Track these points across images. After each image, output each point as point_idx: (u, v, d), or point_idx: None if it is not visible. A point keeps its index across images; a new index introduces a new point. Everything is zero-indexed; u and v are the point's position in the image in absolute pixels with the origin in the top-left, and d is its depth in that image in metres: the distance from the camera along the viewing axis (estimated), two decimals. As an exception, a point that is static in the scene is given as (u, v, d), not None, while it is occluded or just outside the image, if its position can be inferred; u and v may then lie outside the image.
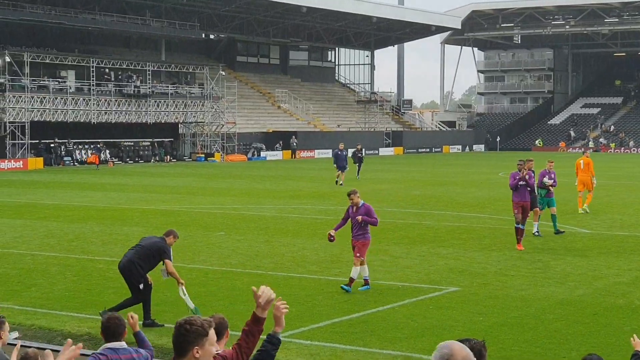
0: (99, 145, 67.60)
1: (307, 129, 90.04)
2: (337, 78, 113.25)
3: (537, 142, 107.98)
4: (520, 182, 23.11)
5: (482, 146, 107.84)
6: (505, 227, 27.31)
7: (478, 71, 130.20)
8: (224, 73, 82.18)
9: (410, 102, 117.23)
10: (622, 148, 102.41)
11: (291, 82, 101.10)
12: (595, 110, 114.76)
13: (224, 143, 78.37)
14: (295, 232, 25.87)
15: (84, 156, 68.79)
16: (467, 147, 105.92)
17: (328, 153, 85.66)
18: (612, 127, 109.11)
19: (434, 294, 16.78)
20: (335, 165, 45.63)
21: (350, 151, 51.75)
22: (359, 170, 49.96)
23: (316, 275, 18.80)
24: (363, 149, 53.09)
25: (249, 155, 79.46)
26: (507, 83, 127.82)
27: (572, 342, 13.01)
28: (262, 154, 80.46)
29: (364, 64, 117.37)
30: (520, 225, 22.47)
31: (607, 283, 17.77)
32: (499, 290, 17.07)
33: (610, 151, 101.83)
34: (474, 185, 44.09)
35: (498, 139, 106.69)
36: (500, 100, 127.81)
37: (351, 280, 16.84)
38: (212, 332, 5.20)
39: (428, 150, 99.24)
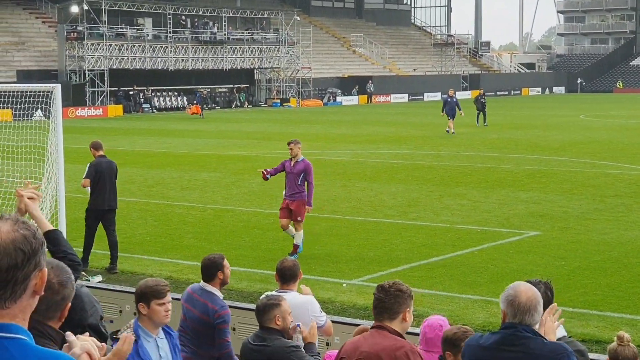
0: (202, 94, 64.71)
1: (383, 74, 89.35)
2: (412, 21, 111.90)
3: (618, 83, 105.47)
4: None
5: (562, 88, 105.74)
6: (587, 170, 26.83)
7: (557, 11, 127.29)
8: (298, 18, 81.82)
9: (488, 44, 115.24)
10: None
11: (366, 26, 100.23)
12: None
13: (299, 88, 78.33)
14: (372, 177, 25.79)
15: (162, 103, 69.47)
16: (547, 90, 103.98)
17: (404, 97, 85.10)
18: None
19: (514, 238, 16.58)
20: (443, 112, 41.92)
21: (456, 97, 48.26)
22: (485, 117, 45.77)
23: (394, 220, 18.72)
24: (485, 94, 48.15)
25: (325, 100, 79.28)
26: (587, 23, 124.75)
27: (657, 287, 12.75)
28: (338, 99, 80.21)
29: (440, 6, 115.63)
30: None
31: (693, 227, 17.35)
32: (580, 234, 16.79)
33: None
34: (554, 128, 43.32)
35: (579, 81, 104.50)
36: (580, 41, 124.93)
37: (296, 247, 14.98)
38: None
39: (506, 93, 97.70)
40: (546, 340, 4.59)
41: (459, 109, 41.27)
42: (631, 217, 18.54)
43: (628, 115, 56.54)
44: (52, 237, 4.74)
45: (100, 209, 14.62)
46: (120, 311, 9.93)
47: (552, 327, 4.72)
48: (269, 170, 15.57)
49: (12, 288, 2.57)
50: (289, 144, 15.43)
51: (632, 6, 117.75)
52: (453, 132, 40.32)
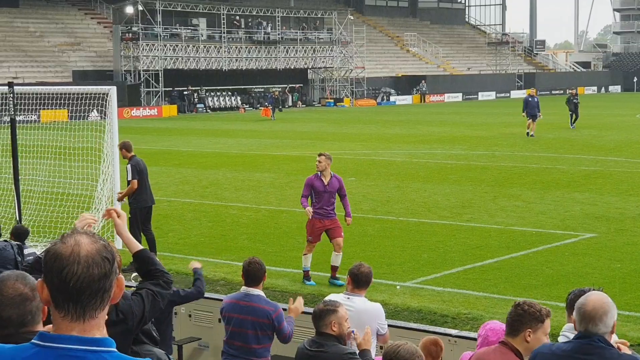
0: (274, 95, 63.31)
1: (437, 73, 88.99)
2: (467, 19, 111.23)
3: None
4: None
5: (618, 87, 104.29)
6: (644, 171, 26.47)
7: (613, 9, 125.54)
8: (352, 17, 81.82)
9: (543, 42, 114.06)
10: None
11: (420, 25, 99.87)
12: None
13: (353, 88, 78.33)
14: (426, 177, 25.71)
15: (216, 103, 69.93)
16: (603, 88, 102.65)
17: (458, 97, 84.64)
18: None
19: (569, 240, 16.43)
20: (524, 113, 39.39)
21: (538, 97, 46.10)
22: (576, 118, 43.39)
23: (447, 221, 18.65)
24: (578, 94, 45.62)
25: (378, 100, 79.18)
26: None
27: None
28: (392, 98, 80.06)
29: (494, 5, 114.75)
30: None
31: None
32: (637, 236, 16.57)
33: None
34: (610, 128, 42.78)
35: (635, 80, 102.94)
36: (637, 40, 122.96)
37: (334, 269, 13.62)
38: (547, 322, 5.21)
39: (562, 92, 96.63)
40: (620, 351, 4.64)
41: (539, 111, 39.00)
42: (690, 219, 18.26)
43: (687, 114, 55.60)
44: (144, 256, 4.68)
45: (146, 205, 15.05)
46: (175, 313, 10.03)
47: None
48: (309, 208, 13.67)
49: (101, 297, 2.66)
50: (321, 155, 14.15)
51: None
52: (532, 135, 38.24)
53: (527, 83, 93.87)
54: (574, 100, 43.48)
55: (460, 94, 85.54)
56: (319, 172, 13.95)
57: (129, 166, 14.91)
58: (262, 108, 61.89)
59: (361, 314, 6.73)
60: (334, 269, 13.49)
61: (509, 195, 22.07)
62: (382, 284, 13.33)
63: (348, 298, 7.15)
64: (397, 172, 27.08)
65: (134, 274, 13.54)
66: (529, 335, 5.08)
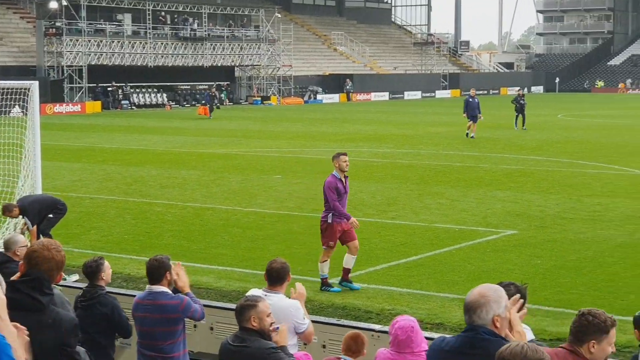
0: (210, 93, 61.26)
1: (364, 72, 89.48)
2: (393, 19, 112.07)
3: (597, 83, 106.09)
4: None
5: (540, 88, 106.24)
6: (564, 169, 27.03)
7: (537, 11, 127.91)
8: (279, 15, 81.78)
9: (467, 43, 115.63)
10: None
11: (347, 24, 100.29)
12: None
13: (280, 86, 78.30)
14: (352, 175, 25.54)
15: (141, 100, 69.26)
16: (526, 89, 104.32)
17: (384, 96, 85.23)
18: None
19: (491, 237, 16.70)
20: (465, 114, 38.79)
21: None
22: (524, 119, 42.99)
23: (373, 219, 18.78)
24: (524, 95, 45.25)
25: (305, 98, 79.31)
26: (566, 23, 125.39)
27: (631, 285, 12.89)
28: (319, 97, 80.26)
29: (420, 5, 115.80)
30: None
31: (668, 226, 17.52)
32: (557, 233, 16.92)
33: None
34: (532, 128, 43.48)
35: (557, 81, 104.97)
36: (559, 41, 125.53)
37: (347, 271, 13.27)
38: (612, 332, 4.97)
39: (485, 92, 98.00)
40: (506, 341, 4.61)
41: (479, 112, 38.30)
42: (607, 216, 18.70)
43: (605, 114, 56.96)
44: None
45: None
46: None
47: (516, 317, 4.76)
48: (354, 220, 13.15)
49: None
50: (343, 155, 13.23)
51: (610, 6, 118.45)
52: (473, 136, 37.82)
53: (452, 83, 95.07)
54: (521, 102, 43.36)
55: (387, 93, 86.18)
56: (340, 174, 13.19)
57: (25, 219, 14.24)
58: (199, 106, 61.32)
59: (277, 312, 6.72)
60: (347, 271, 13.12)
61: (433, 193, 22.33)
62: (307, 280, 13.34)
63: (266, 295, 7.14)
64: (323, 170, 27.06)
65: (75, 277, 13.36)
66: (593, 347, 4.89)
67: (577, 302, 12.06)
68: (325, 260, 13.09)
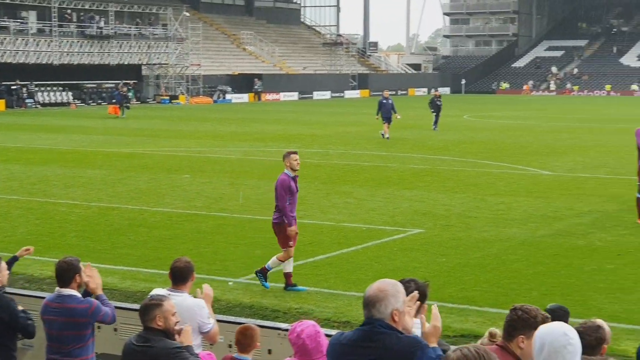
0: (121, 92, 58.49)
1: (273, 72, 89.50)
2: (302, 20, 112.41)
3: (501, 84, 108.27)
4: None
5: (447, 89, 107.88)
6: (469, 169, 27.50)
7: (443, 14, 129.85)
8: (187, 14, 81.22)
9: (376, 44, 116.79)
10: (585, 91, 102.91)
11: (256, 24, 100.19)
12: (559, 53, 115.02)
13: (188, 85, 77.74)
14: (261, 175, 25.82)
15: (46, 98, 67.96)
16: (433, 90, 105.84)
17: (294, 96, 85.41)
18: (576, 69, 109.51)
19: (398, 236, 16.88)
20: (378, 115, 38.56)
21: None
22: (437, 120, 43.26)
23: (281, 218, 18.79)
24: (440, 96, 45.55)
25: (214, 97, 78.91)
26: (472, 26, 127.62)
27: (533, 282, 13.18)
28: (228, 96, 79.94)
29: (329, 6, 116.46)
30: None
31: (568, 224, 17.98)
32: (461, 232, 17.21)
33: (574, 94, 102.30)
34: (439, 128, 44.15)
35: (463, 82, 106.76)
36: (465, 43, 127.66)
37: (289, 275, 13.04)
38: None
39: (393, 92, 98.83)
40: (401, 334, 4.69)
41: (395, 112, 38.14)
42: (510, 215, 19.10)
43: (509, 115, 58.17)
44: None
45: None
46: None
47: (409, 312, 4.83)
48: (294, 227, 12.92)
49: None
50: (293, 153, 13.00)
51: (515, 9, 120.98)
52: (388, 137, 37.44)
53: (361, 83, 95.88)
54: (437, 102, 43.57)
55: (296, 93, 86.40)
56: (292, 173, 12.90)
57: None
58: (110, 105, 60.23)
59: (181, 311, 6.67)
60: (288, 275, 12.95)
61: (341, 192, 22.47)
62: (215, 280, 13.30)
63: (170, 294, 7.07)
64: (231, 170, 27.09)
65: None
66: (522, 342, 4.89)
67: (480, 299, 12.31)
68: (282, 261, 12.91)
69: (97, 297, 7.37)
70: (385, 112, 37.98)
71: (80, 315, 7.19)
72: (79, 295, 7.33)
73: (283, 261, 12.92)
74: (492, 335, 5.66)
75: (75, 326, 7.19)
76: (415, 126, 44.74)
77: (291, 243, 12.90)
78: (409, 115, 56.12)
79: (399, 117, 38.88)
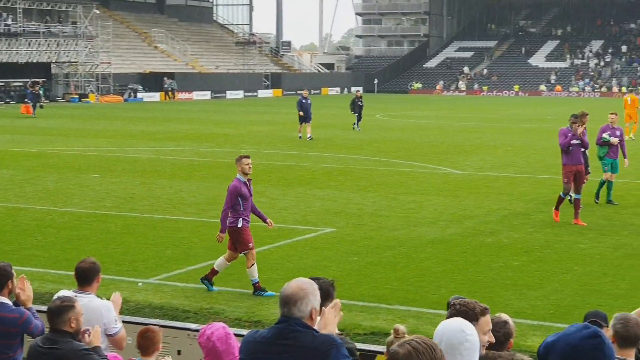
0: (34, 91, 56.27)
1: (185, 70, 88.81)
2: (215, 18, 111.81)
3: (413, 85, 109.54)
4: (574, 141, 18.22)
5: (360, 88, 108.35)
6: (381, 168, 27.75)
7: (356, 14, 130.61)
8: (97, 12, 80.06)
9: (289, 44, 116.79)
10: (495, 91, 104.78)
11: (168, 22, 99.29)
12: (469, 54, 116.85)
13: (98, 84, 76.60)
14: (172, 174, 25.63)
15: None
16: (346, 89, 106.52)
17: (206, 95, 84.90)
18: (486, 70, 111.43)
19: (310, 235, 16.94)
20: (300, 115, 38.07)
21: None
22: (359, 120, 43.24)
23: (193, 217, 18.72)
24: (362, 97, 45.16)
25: (125, 96, 77.94)
26: (384, 26, 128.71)
27: (442, 280, 13.38)
28: (139, 95, 79.03)
29: (242, 5, 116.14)
30: (575, 195, 18.27)
31: (477, 222, 18.29)
32: (373, 230, 17.35)
33: (484, 94, 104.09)
34: (350, 128, 44.45)
35: (376, 82, 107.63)
36: (377, 43, 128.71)
37: (214, 273, 12.96)
38: (483, 320, 4.91)
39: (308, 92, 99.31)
40: (317, 333, 4.72)
41: (310, 113, 37.75)
42: (421, 213, 19.33)
43: (421, 115, 58.88)
44: None
45: None
46: None
47: (331, 318, 4.86)
48: (221, 234, 12.88)
49: None
50: (245, 158, 13.08)
51: (426, 10, 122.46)
52: (310, 137, 37.13)
53: (274, 83, 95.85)
54: (359, 103, 43.48)
55: (209, 92, 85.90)
56: (244, 177, 12.96)
57: None
58: (22, 105, 58.64)
59: (88, 313, 6.57)
60: (214, 273, 12.84)
61: (254, 191, 22.37)
62: (124, 281, 13.18)
63: (76, 296, 6.96)
64: (142, 169, 26.81)
65: None
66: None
67: (391, 297, 12.44)
68: (253, 264, 12.73)
69: (28, 310, 7.18)
70: (305, 111, 37.77)
71: (10, 325, 6.95)
72: (10, 303, 7.12)
73: (253, 263, 12.73)
74: (396, 332, 5.72)
75: (4, 335, 6.94)
76: (329, 125, 44.94)
77: (250, 245, 12.75)
78: (322, 114, 56.33)
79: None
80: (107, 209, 19.66)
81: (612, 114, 20.90)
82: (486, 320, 4.97)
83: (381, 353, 7.61)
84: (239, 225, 12.78)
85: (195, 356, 8.39)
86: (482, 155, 31.95)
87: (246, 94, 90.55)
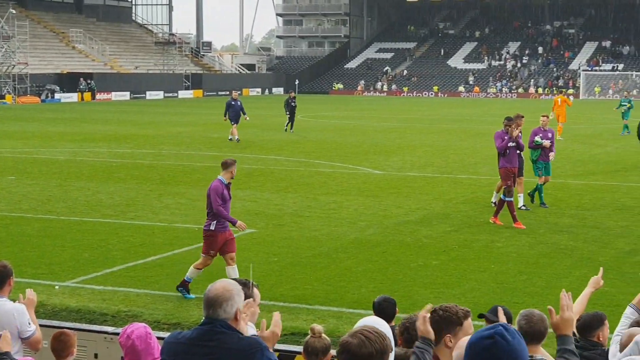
0: None
1: (104, 71, 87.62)
2: (134, 18, 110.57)
3: (336, 85, 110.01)
4: (510, 144, 18.40)
5: (281, 89, 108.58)
6: (301, 169, 27.80)
7: (277, 14, 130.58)
8: (14, 11, 78.42)
9: (209, 44, 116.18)
10: (415, 92, 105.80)
11: (86, 22, 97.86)
12: (389, 55, 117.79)
13: (15, 84, 75.08)
14: (90, 176, 25.27)
15: None
16: (267, 90, 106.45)
17: (126, 95, 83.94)
18: (405, 71, 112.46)
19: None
20: (226, 117, 37.51)
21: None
22: (292, 122, 42.73)
23: (111, 219, 18.49)
24: (295, 97, 44.57)
25: (43, 97, 76.56)
26: (305, 27, 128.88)
27: (362, 279, 13.46)
28: (57, 95, 77.71)
29: (161, 4, 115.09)
30: (510, 198, 18.11)
31: (396, 222, 18.45)
32: (293, 231, 17.37)
33: (404, 95, 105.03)
34: (272, 128, 44.44)
35: (297, 82, 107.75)
36: (298, 44, 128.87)
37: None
38: (467, 323, 4.91)
39: (227, 93, 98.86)
40: (242, 335, 4.71)
41: (244, 114, 37.35)
42: (341, 214, 19.42)
43: (342, 116, 59.20)
44: None
45: None
46: None
47: (244, 318, 4.84)
48: (241, 223, 12.70)
49: None
50: (233, 163, 12.57)
51: (346, 12, 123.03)
52: (238, 139, 36.48)
53: (195, 83, 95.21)
54: (292, 104, 43.03)
55: (128, 93, 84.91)
56: (227, 180, 12.48)
57: None
58: None
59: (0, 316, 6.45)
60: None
61: (174, 193, 22.27)
62: (41, 284, 12.95)
63: None
64: (59, 171, 26.38)
65: None
66: (450, 341, 4.87)
67: (311, 297, 12.48)
68: (200, 268, 12.48)
69: None
70: (234, 113, 37.27)
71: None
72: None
73: (200, 269, 12.49)
74: (312, 331, 5.73)
75: None
76: (248, 125, 44.81)
77: (212, 252, 12.47)
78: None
79: (247, 119, 38.30)
80: (24, 211, 19.30)
81: (543, 116, 21.04)
82: (469, 323, 5.00)
83: (300, 353, 7.62)
84: (212, 228, 12.47)
85: (112, 359, 8.30)
86: (402, 155, 32.23)
87: (166, 94, 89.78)
